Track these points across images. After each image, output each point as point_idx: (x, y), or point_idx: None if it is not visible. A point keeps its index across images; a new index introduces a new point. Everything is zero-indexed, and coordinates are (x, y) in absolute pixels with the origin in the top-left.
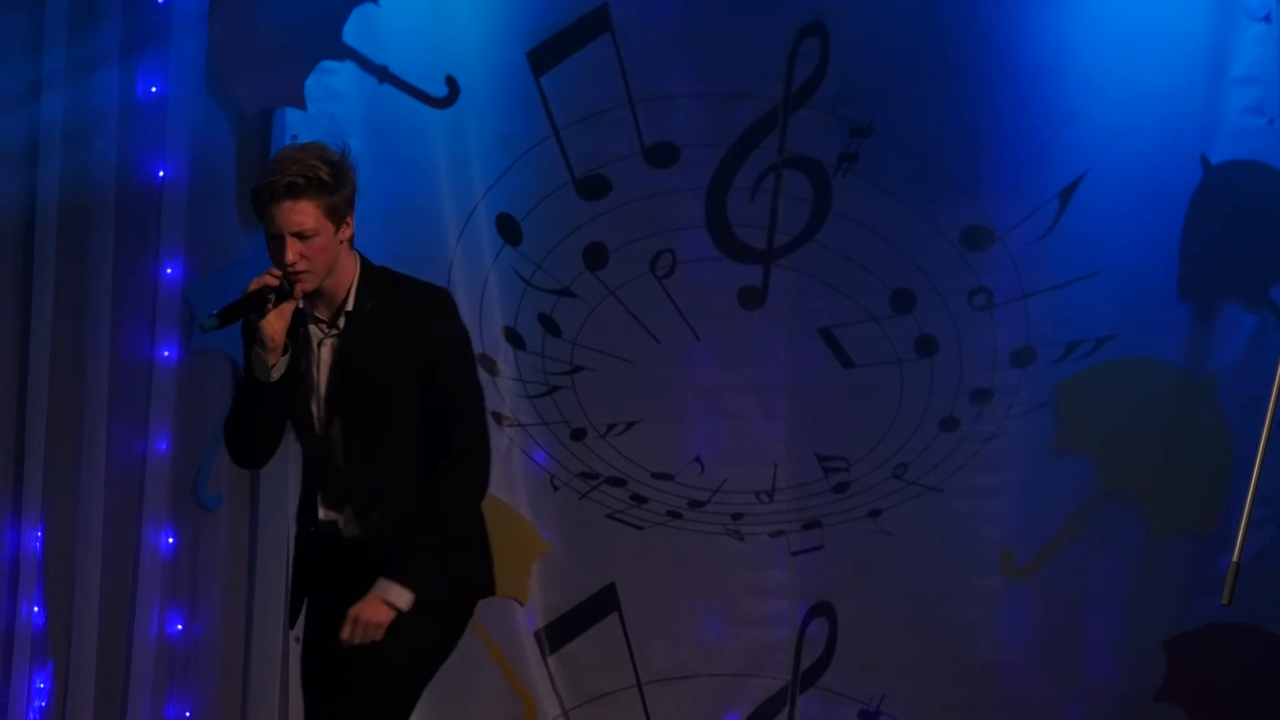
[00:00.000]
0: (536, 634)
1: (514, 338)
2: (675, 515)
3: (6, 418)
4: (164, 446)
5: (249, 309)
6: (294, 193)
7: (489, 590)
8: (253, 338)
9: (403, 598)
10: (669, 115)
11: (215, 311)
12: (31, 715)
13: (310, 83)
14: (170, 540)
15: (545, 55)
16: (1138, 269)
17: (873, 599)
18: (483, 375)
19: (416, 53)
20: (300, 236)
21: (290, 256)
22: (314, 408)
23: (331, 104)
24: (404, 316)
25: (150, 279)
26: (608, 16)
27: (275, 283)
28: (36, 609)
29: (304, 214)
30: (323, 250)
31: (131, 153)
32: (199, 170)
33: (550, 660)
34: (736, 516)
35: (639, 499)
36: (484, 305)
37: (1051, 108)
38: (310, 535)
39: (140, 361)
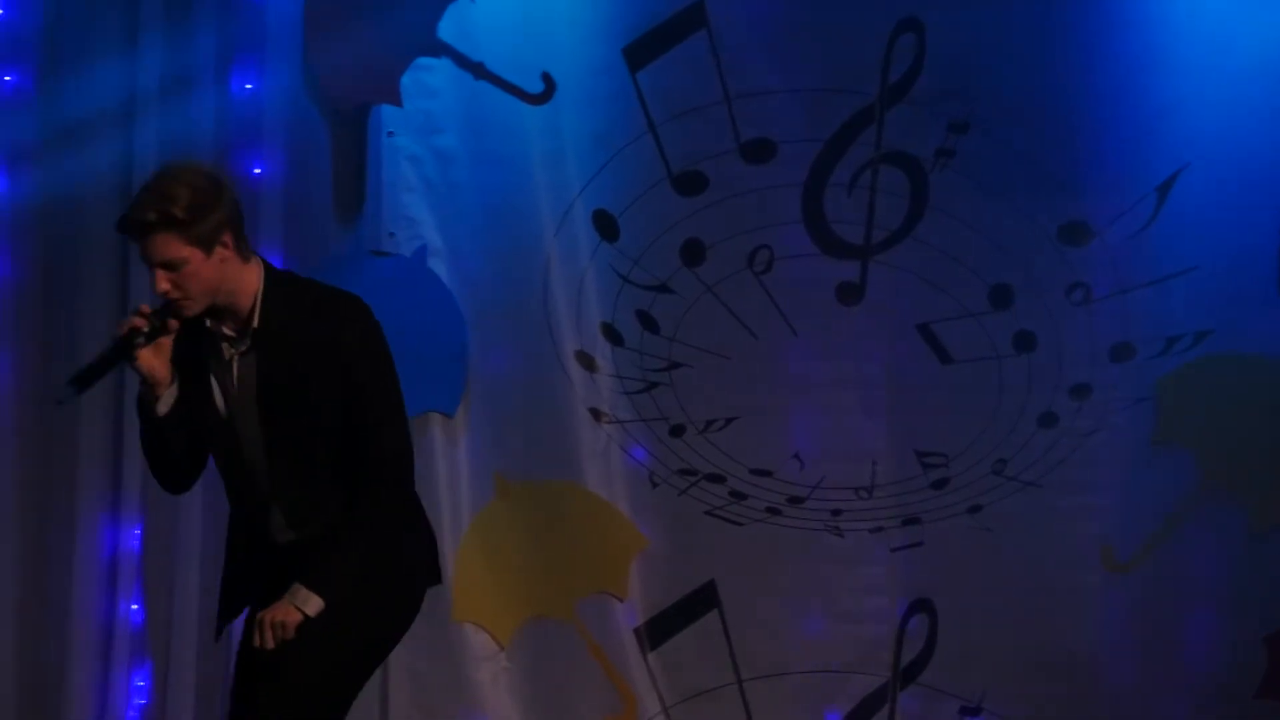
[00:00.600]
0: (636, 631)
1: (612, 334)
2: (775, 512)
3: (105, 416)
4: None
5: (114, 361)
6: (145, 230)
7: (435, 578)
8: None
9: (310, 603)
10: (765, 111)
11: (71, 378)
12: (130, 713)
13: (406, 79)
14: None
15: (641, 51)
16: (1237, 263)
17: (972, 595)
18: (581, 372)
19: (512, 49)
20: (168, 267)
21: (162, 286)
22: (234, 426)
23: (427, 100)
24: (313, 327)
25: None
26: (703, 12)
27: (142, 324)
28: (135, 607)
29: (164, 247)
30: (195, 276)
31: (227, 150)
32: (295, 167)
33: (650, 657)
34: (836, 513)
35: (738, 495)
36: (582, 302)
37: (1149, 100)
38: (241, 547)
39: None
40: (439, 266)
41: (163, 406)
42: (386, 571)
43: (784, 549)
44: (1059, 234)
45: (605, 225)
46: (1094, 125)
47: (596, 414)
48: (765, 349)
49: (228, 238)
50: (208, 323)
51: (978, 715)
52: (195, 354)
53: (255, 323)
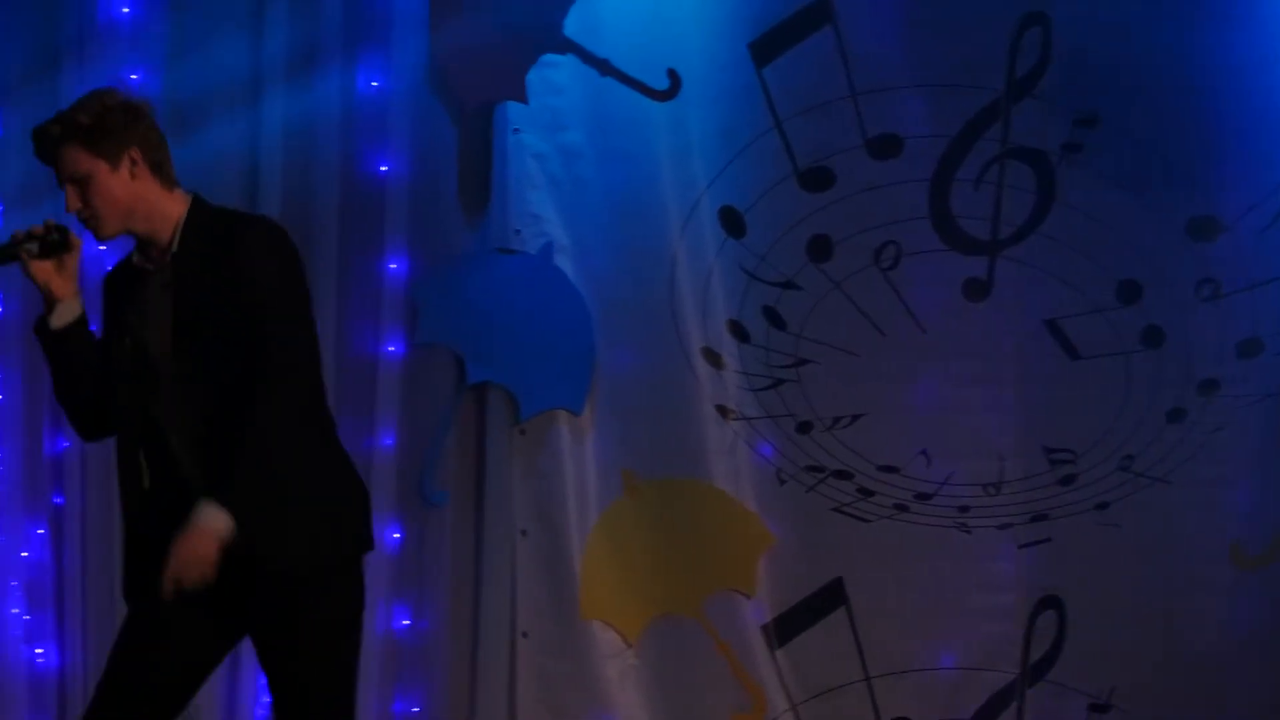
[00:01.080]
0: (764, 628)
1: (738, 331)
2: (902, 508)
3: None
4: (389, 442)
5: (5, 256)
6: (55, 142)
7: (369, 545)
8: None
9: (220, 520)
10: (891, 107)
11: None
12: (259, 712)
13: (532, 76)
14: (396, 536)
15: (767, 47)
16: None
17: (1101, 591)
18: (708, 369)
19: (638, 45)
20: (75, 182)
21: (72, 204)
22: (141, 356)
23: (553, 98)
24: (224, 250)
25: (374, 274)
26: (829, 7)
27: (40, 231)
28: None
29: (71, 160)
30: (103, 193)
31: (354, 148)
32: (421, 165)
33: (778, 654)
34: (963, 509)
35: (866, 492)
36: (708, 299)
37: None
38: (137, 518)
39: (365, 357)
40: (565, 263)
41: (56, 320)
42: (302, 491)
43: (911, 545)
44: (1188, 228)
45: (732, 222)
46: (1223, 118)
47: (723, 411)
48: (892, 345)
49: (136, 154)
50: (134, 259)
51: (1106, 712)
52: (118, 287)
53: (175, 248)
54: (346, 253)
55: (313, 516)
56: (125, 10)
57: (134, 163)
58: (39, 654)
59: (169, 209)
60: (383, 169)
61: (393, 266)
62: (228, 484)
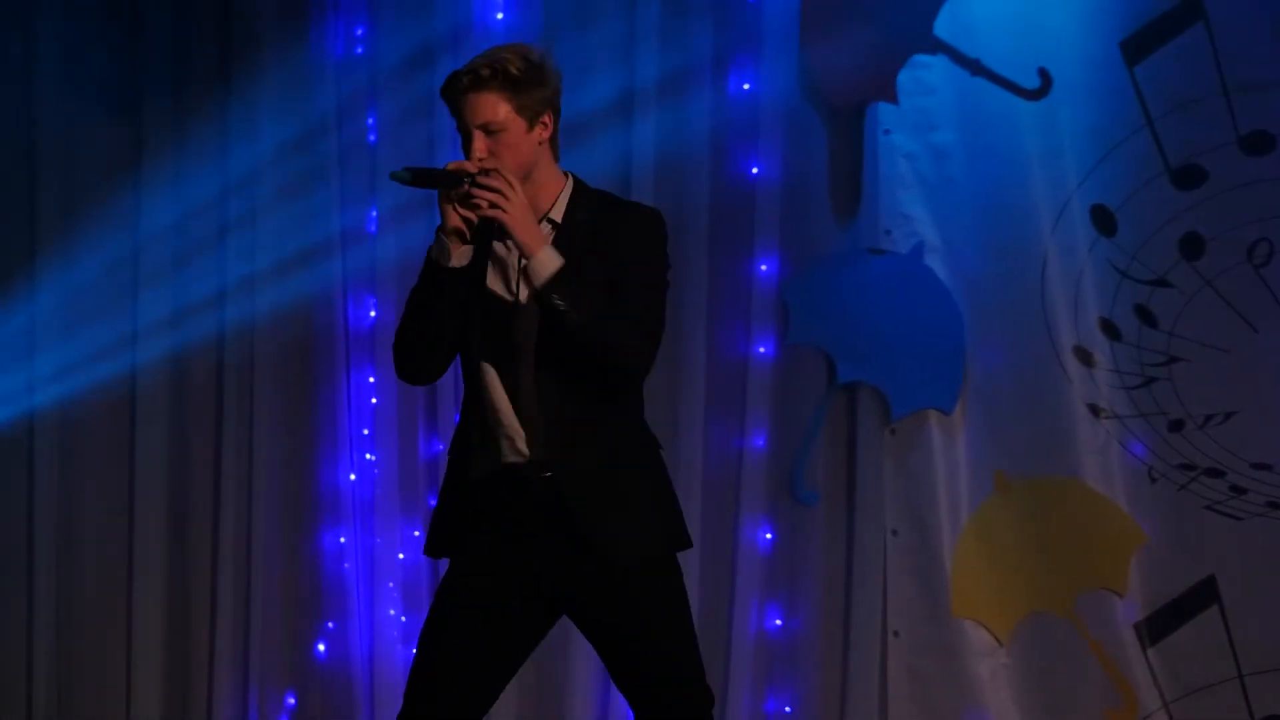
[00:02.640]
0: (1136, 626)
1: (1110, 329)
2: (1275, 506)
3: None
4: (760, 443)
5: (441, 182)
6: (478, 84)
7: (686, 542)
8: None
9: (550, 259)
10: (1265, 103)
11: (411, 168)
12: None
13: (902, 77)
14: (768, 536)
15: (1138, 45)
16: None
17: None
18: (1079, 367)
19: (1008, 45)
20: (487, 131)
21: (479, 150)
22: (509, 324)
23: (923, 98)
24: (612, 228)
25: (745, 276)
26: (1201, 5)
27: (473, 169)
28: None
29: (490, 107)
30: (513, 148)
31: (725, 150)
32: (791, 166)
33: (1150, 653)
34: None
35: (1238, 490)
36: (1079, 297)
37: None
38: (467, 484)
39: (736, 358)
40: (935, 263)
41: (455, 260)
42: (645, 481)
43: None
44: None
45: (1103, 220)
46: None
47: (1095, 410)
48: (1265, 342)
49: (548, 118)
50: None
51: None
52: (476, 248)
53: (557, 216)
54: (717, 255)
55: (650, 507)
56: (500, 16)
57: (545, 127)
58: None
59: (554, 179)
60: (754, 171)
61: (763, 268)
62: (569, 284)
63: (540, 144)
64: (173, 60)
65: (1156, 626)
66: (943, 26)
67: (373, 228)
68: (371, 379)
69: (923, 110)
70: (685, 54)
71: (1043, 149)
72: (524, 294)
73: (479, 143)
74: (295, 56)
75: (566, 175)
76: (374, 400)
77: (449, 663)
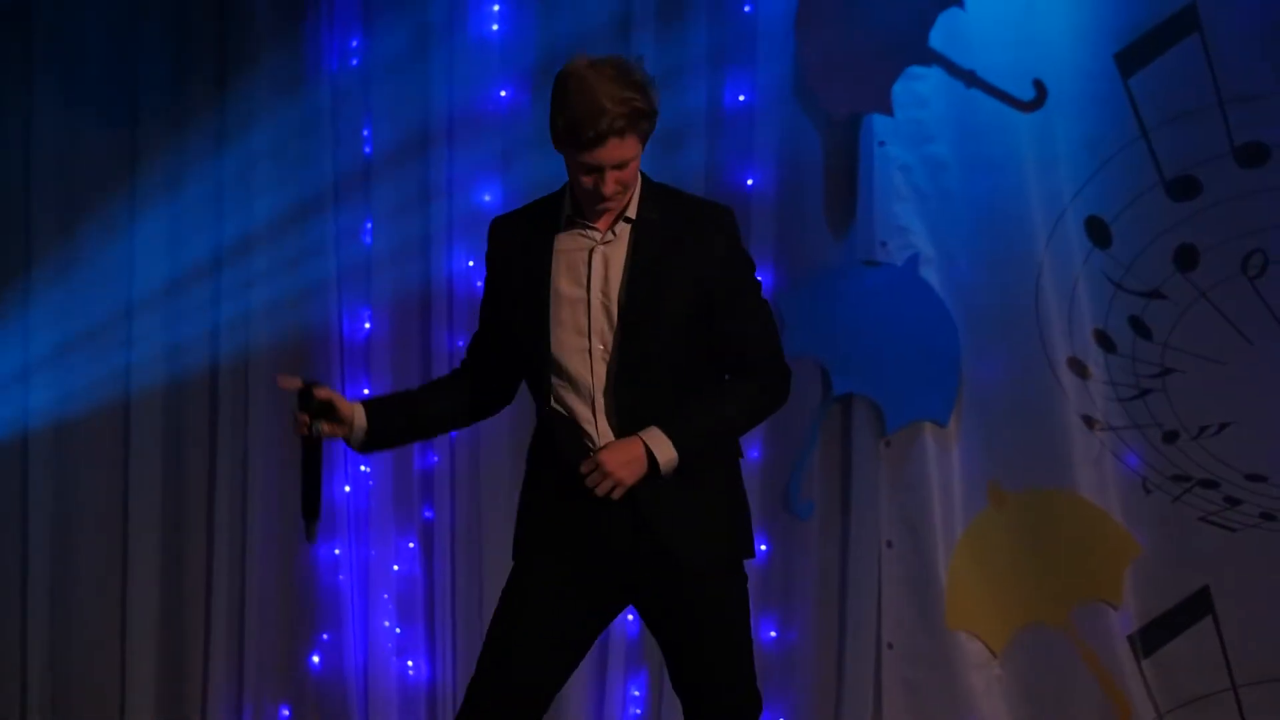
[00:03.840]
0: (1130, 638)
1: (1104, 340)
2: (1269, 517)
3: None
4: (755, 454)
5: (317, 469)
6: (617, 133)
7: (753, 552)
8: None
9: (664, 451)
10: (1259, 114)
11: (304, 515)
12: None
13: (897, 88)
14: (763, 548)
15: (1133, 56)
16: None
17: None
18: (1073, 379)
19: (1003, 56)
20: (621, 167)
21: (610, 189)
22: (582, 321)
23: (918, 109)
24: (687, 235)
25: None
26: (1196, 15)
27: (304, 429)
28: (631, 617)
29: (629, 148)
30: (632, 174)
31: (719, 161)
32: (787, 177)
33: (1144, 664)
34: None
35: (1232, 501)
36: (1074, 309)
37: None
38: (549, 483)
39: None
40: (931, 275)
41: (358, 439)
42: (722, 487)
43: (1279, 554)
44: None
45: (1097, 232)
46: None
47: (1089, 421)
48: (1259, 354)
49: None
50: (566, 212)
51: None
52: (535, 245)
53: (632, 213)
54: None
55: (726, 515)
56: (495, 28)
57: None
58: (410, 666)
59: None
60: (749, 182)
61: (758, 280)
62: (691, 430)
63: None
64: (168, 72)
65: (1151, 638)
66: (938, 38)
67: (368, 239)
68: (366, 391)
69: (918, 122)
70: (680, 65)
71: (1037, 160)
72: (595, 290)
73: (611, 181)
74: (290, 68)
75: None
76: None
77: (521, 644)
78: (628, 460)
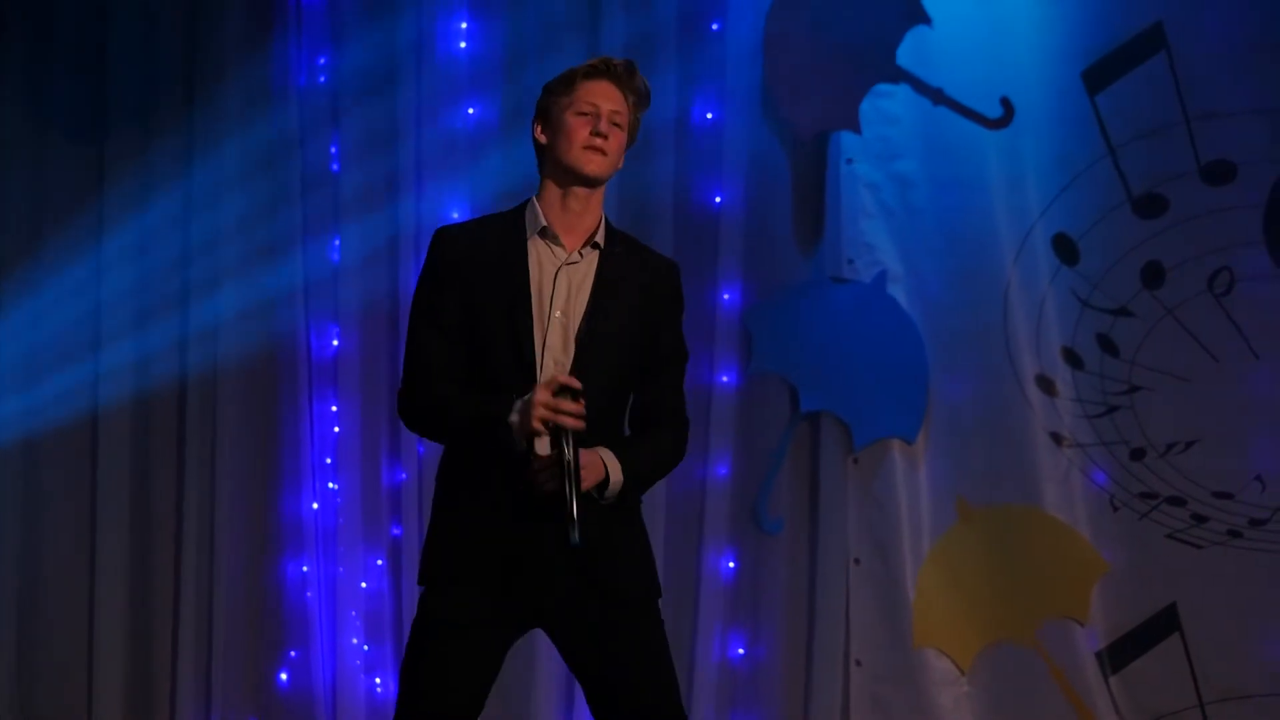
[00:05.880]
0: (1098, 654)
1: (1072, 358)
2: (1236, 534)
3: None
4: (724, 471)
5: (576, 479)
6: (624, 79)
7: (660, 592)
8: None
9: (615, 471)
10: (1226, 132)
11: (572, 528)
12: None
13: (865, 106)
14: (731, 565)
15: (1100, 74)
16: None
17: None
18: (1041, 396)
19: (971, 74)
20: (612, 121)
21: (606, 126)
22: (535, 335)
23: (886, 127)
24: (648, 269)
25: (708, 305)
26: (1162, 34)
27: (568, 423)
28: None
29: (622, 103)
30: (618, 150)
31: (688, 179)
32: (754, 195)
33: (1112, 680)
34: None
35: (1199, 518)
36: (1041, 326)
37: None
38: (479, 510)
39: (700, 387)
40: (898, 292)
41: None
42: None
43: (1246, 572)
44: None
45: (1065, 249)
46: None
47: (1057, 438)
48: (1226, 371)
49: (631, 140)
50: (541, 223)
51: None
52: (509, 256)
53: (600, 240)
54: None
55: (645, 552)
56: (463, 45)
57: (621, 158)
58: (378, 684)
59: (599, 208)
60: (717, 200)
61: (726, 297)
62: (634, 462)
63: (618, 167)
64: (136, 88)
65: (1118, 654)
66: (905, 56)
67: (335, 256)
68: (334, 408)
69: (885, 139)
70: (649, 83)
71: (1005, 178)
72: (557, 307)
73: (605, 121)
74: (258, 84)
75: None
76: (336, 429)
77: (442, 684)
78: (587, 464)
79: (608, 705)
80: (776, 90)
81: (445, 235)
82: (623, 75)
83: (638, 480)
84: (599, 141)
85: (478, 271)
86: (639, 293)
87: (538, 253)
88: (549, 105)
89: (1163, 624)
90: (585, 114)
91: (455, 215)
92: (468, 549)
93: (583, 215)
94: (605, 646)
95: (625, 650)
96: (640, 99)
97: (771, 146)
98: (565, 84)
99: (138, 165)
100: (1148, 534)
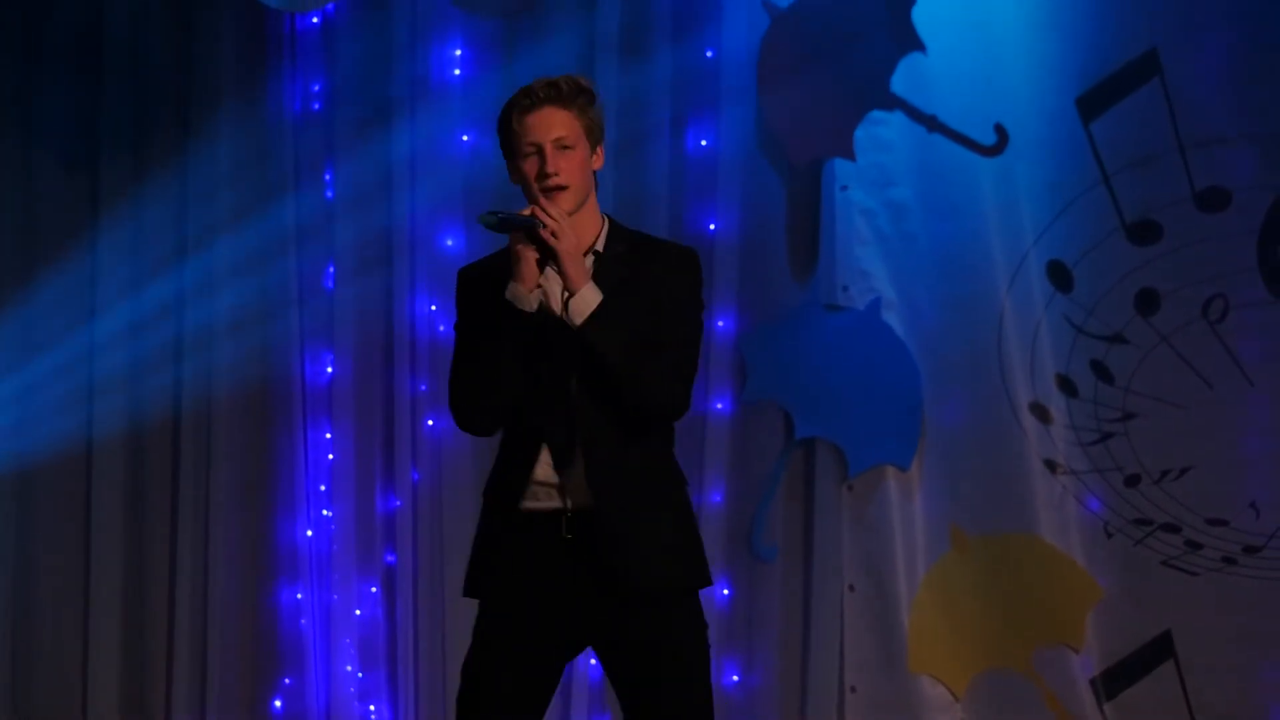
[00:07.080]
0: (1092, 681)
1: (1066, 385)
2: (1230, 561)
3: None
4: (718, 498)
5: (522, 225)
6: (556, 99)
7: (708, 579)
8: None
9: (593, 296)
10: (1220, 159)
11: (496, 212)
12: None
13: (859, 133)
14: (725, 592)
15: (1094, 101)
16: None
17: None
18: (1035, 423)
19: (965, 101)
20: (560, 145)
21: (554, 164)
22: (552, 356)
23: (880, 154)
24: (648, 263)
25: (703, 332)
26: (1157, 60)
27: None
28: (594, 661)
29: (565, 122)
30: (580, 169)
31: (682, 206)
32: (749, 222)
33: (1106, 707)
34: None
35: (1194, 545)
36: (1035, 353)
37: None
38: (507, 522)
39: (694, 414)
40: (893, 319)
41: (529, 305)
42: (670, 512)
43: (1241, 599)
44: None
45: (1059, 276)
46: None
47: (1051, 465)
48: (1220, 398)
49: (600, 149)
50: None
51: None
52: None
53: (599, 246)
54: None
55: (674, 543)
56: (457, 72)
57: (598, 157)
58: (371, 711)
59: (596, 216)
60: (711, 227)
61: (720, 324)
62: (615, 310)
63: (592, 173)
64: (130, 116)
65: (1112, 681)
66: (900, 83)
67: (330, 283)
68: (328, 435)
69: (880, 166)
70: (643, 109)
71: (999, 205)
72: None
73: (552, 154)
74: (253, 112)
75: (604, 215)
76: (331, 456)
77: (492, 702)
78: (577, 253)
79: (632, 712)
80: (771, 117)
81: (464, 277)
82: (554, 96)
83: (609, 323)
84: (552, 181)
85: (495, 309)
86: (649, 284)
87: (549, 272)
88: (504, 149)
89: (1157, 651)
90: (530, 155)
91: (450, 243)
92: (494, 561)
93: (580, 231)
94: (626, 647)
95: (645, 647)
96: (586, 100)
97: (766, 173)
98: (504, 128)
99: (132, 195)
100: (1142, 561)
